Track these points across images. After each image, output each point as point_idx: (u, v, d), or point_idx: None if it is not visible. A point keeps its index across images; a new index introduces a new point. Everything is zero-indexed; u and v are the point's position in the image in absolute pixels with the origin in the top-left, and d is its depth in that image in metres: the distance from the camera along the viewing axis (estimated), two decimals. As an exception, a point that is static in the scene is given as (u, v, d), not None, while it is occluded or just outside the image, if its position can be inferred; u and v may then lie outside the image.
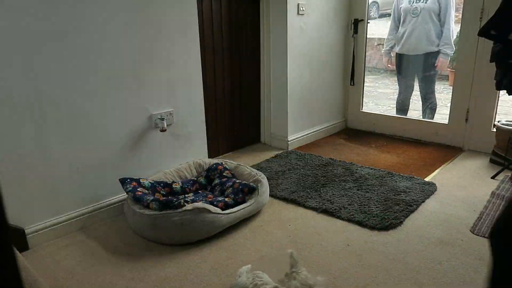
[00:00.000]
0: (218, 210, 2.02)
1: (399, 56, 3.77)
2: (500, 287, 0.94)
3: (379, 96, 5.96)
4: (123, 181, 2.18)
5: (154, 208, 1.99)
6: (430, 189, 2.52)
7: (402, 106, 3.89)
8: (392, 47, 3.79)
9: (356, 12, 3.67)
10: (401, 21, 3.65)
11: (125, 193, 2.19)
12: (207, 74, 2.95)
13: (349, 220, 2.18)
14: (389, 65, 3.96)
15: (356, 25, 3.68)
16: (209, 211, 1.96)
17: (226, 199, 2.17)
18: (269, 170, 2.89)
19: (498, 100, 3.09)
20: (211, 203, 2.10)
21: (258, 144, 3.55)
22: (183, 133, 2.57)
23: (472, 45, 3.05)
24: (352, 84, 3.81)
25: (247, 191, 2.22)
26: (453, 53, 3.57)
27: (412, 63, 3.71)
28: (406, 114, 3.88)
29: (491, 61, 2.61)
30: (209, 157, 2.78)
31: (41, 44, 1.86)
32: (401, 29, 3.66)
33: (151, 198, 2.04)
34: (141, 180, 2.23)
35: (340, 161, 3.03)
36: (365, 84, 3.90)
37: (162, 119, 2.40)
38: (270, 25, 3.24)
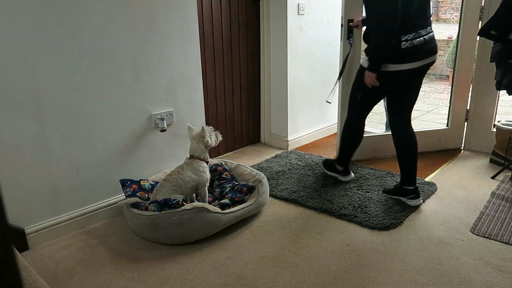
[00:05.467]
0: (218, 209, 2.02)
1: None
2: None
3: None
4: (123, 183, 2.18)
5: (153, 209, 1.98)
6: (430, 189, 2.52)
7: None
8: None
9: (354, 12, 3.66)
10: None
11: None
12: (207, 74, 2.95)
13: (349, 220, 2.18)
14: None
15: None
16: (209, 211, 1.96)
17: (222, 201, 2.17)
18: (269, 170, 2.89)
19: (498, 100, 3.09)
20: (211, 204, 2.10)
21: (258, 144, 3.55)
22: (183, 133, 2.57)
23: (472, 45, 3.05)
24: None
25: (246, 190, 2.22)
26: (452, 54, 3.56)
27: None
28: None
29: (491, 61, 2.61)
30: (209, 157, 2.77)
31: (42, 45, 1.86)
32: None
33: (148, 202, 2.03)
34: (141, 182, 2.23)
35: (340, 161, 3.02)
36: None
37: (162, 119, 2.39)
38: (270, 25, 3.24)
